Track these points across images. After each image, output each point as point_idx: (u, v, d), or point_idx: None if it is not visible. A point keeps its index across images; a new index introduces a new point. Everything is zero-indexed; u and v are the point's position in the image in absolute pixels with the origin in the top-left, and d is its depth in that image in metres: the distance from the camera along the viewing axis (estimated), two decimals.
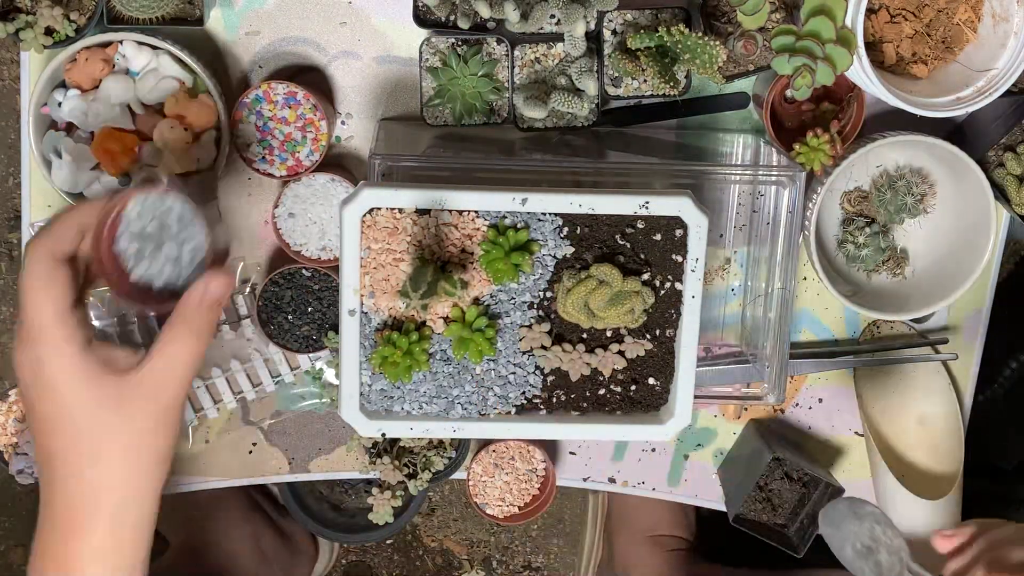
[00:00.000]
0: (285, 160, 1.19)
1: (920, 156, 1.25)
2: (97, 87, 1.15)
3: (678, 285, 1.07)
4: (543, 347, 1.08)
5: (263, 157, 1.20)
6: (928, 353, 1.32)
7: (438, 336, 1.07)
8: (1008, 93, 1.13)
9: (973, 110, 1.11)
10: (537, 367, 1.09)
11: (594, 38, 1.15)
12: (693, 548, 1.51)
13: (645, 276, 1.07)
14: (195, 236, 0.82)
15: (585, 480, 1.37)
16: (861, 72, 1.08)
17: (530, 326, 1.07)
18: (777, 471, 1.31)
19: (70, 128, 1.18)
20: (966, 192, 1.21)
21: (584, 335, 1.09)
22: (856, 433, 1.36)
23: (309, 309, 1.25)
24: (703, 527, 1.58)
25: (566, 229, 1.05)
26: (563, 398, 1.10)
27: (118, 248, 0.81)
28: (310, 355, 1.30)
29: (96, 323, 1.27)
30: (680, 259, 1.06)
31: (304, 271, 1.24)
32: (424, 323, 1.06)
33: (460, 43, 1.16)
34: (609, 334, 1.09)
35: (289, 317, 1.25)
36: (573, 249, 1.06)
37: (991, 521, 1.03)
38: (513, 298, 1.07)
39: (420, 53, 1.16)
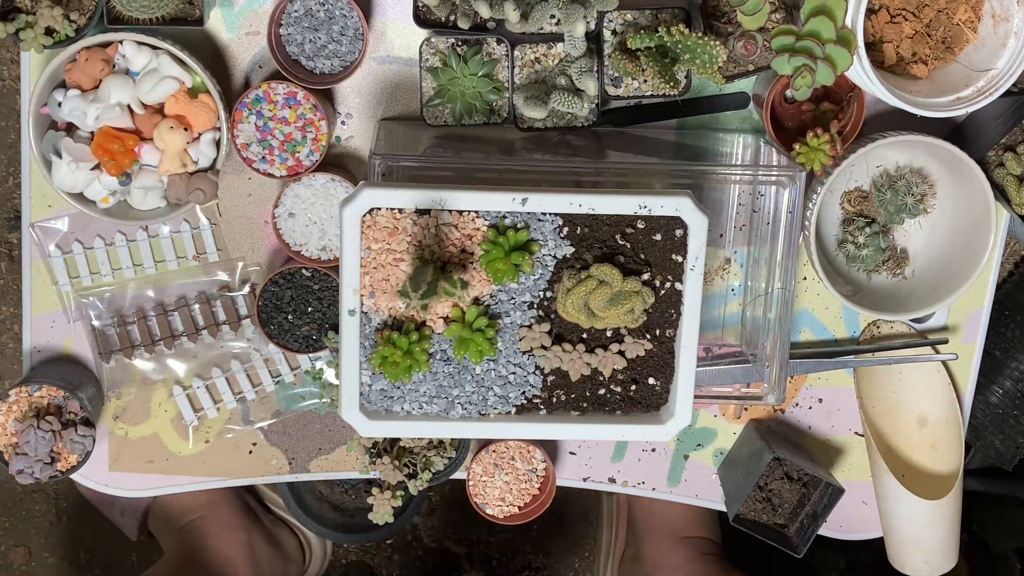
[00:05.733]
0: (285, 160, 1.19)
1: (920, 156, 1.25)
2: (97, 87, 1.15)
3: (678, 285, 1.07)
4: (543, 347, 1.08)
5: (263, 157, 1.20)
6: (928, 353, 1.32)
7: (438, 336, 1.07)
8: (1008, 93, 1.13)
9: (973, 110, 1.11)
10: (537, 367, 1.09)
11: (594, 38, 1.15)
12: (721, 550, 1.50)
13: (645, 276, 1.07)
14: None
15: (585, 480, 1.37)
16: (861, 72, 1.08)
17: (530, 326, 1.07)
18: (777, 471, 1.31)
19: (70, 128, 1.18)
20: (966, 192, 1.21)
21: (584, 335, 1.09)
22: (856, 433, 1.36)
23: (309, 309, 1.25)
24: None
25: (566, 229, 1.05)
26: (563, 398, 1.10)
27: None
28: (310, 355, 1.30)
29: (96, 323, 1.27)
30: (680, 259, 1.06)
31: (304, 271, 1.24)
32: (424, 323, 1.06)
33: (460, 43, 1.16)
34: (609, 334, 1.09)
35: (289, 317, 1.25)
36: (573, 249, 1.06)
37: None
38: (513, 298, 1.07)
39: (420, 53, 1.16)
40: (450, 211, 1.03)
